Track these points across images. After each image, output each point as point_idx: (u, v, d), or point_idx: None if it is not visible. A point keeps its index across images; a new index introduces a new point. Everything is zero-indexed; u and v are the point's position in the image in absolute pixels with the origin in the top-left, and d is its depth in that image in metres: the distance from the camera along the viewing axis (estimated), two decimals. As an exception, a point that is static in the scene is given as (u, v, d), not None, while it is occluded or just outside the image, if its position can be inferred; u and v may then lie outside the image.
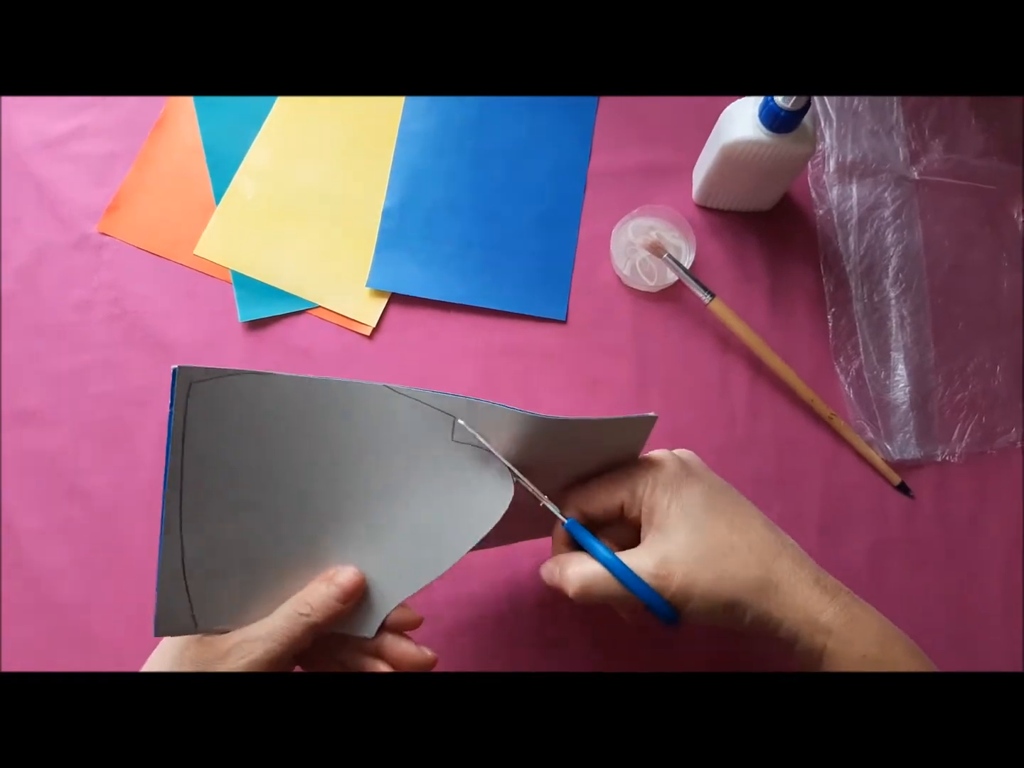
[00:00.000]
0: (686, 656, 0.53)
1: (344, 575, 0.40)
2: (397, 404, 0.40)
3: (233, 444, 0.39)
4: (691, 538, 0.39)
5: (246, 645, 0.39)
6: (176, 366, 0.37)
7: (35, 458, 0.57)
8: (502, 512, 0.39)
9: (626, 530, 0.42)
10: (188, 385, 0.37)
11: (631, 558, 0.39)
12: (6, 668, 0.54)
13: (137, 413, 0.58)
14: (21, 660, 0.54)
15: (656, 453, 0.43)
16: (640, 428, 0.42)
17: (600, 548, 0.39)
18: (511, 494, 0.39)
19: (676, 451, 0.44)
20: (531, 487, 0.40)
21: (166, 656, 0.40)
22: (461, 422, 0.39)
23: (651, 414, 0.41)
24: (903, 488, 0.55)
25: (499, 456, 0.39)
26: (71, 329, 0.60)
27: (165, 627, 0.39)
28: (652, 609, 0.38)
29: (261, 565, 0.41)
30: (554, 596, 0.42)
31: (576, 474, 0.43)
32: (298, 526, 0.41)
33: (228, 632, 0.40)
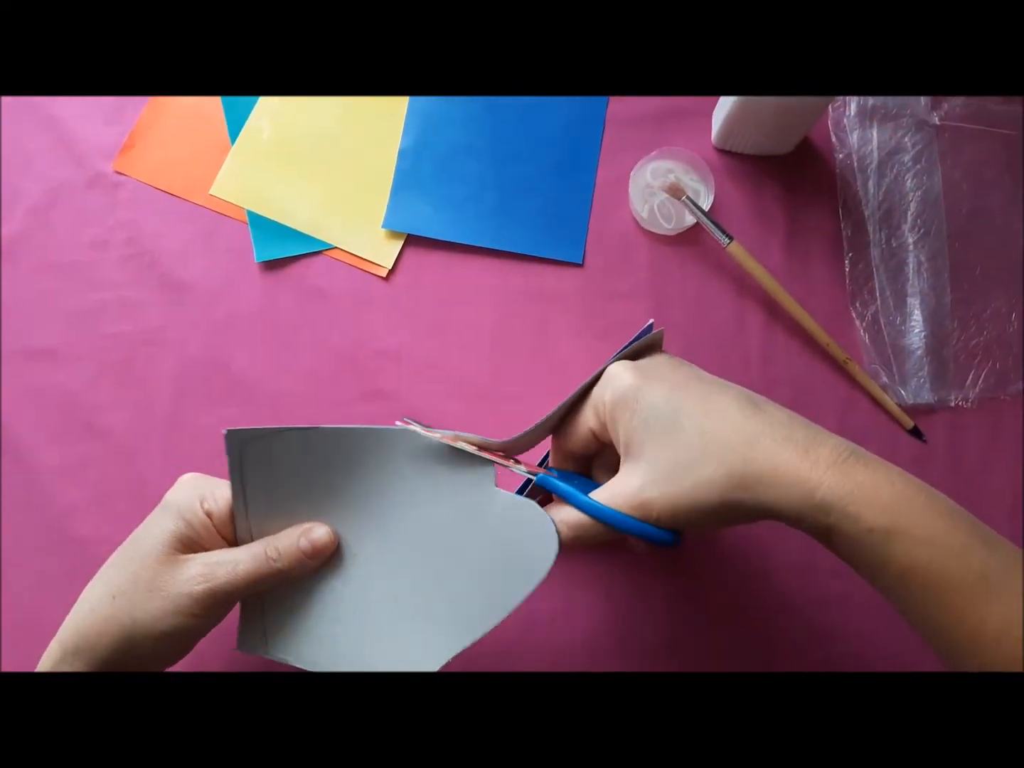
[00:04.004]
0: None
1: (317, 532, 0.41)
2: (439, 451, 0.41)
3: (289, 490, 0.42)
4: (660, 454, 0.36)
5: (208, 569, 0.40)
6: (225, 430, 0.40)
7: (52, 396, 0.58)
8: (549, 566, 0.38)
9: (615, 453, 0.40)
10: (240, 445, 0.41)
11: (606, 493, 0.38)
12: (28, 601, 0.55)
13: (154, 352, 0.58)
14: (42, 596, 0.55)
15: (611, 367, 0.40)
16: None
17: (575, 494, 0.38)
18: (556, 546, 0.38)
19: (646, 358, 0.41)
20: (496, 460, 0.40)
21: (127, 571, 0.42)
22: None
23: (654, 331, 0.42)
24: (916, 432, 0.56)
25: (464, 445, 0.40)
26: (87, 268, 0.60)
27: (246, 645, 0.44)
28: (647, 539, 0.37)
29: (324, 609, 0.43)
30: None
31: None
32: (348, 572, 0.43)
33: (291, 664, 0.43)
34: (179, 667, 0.46)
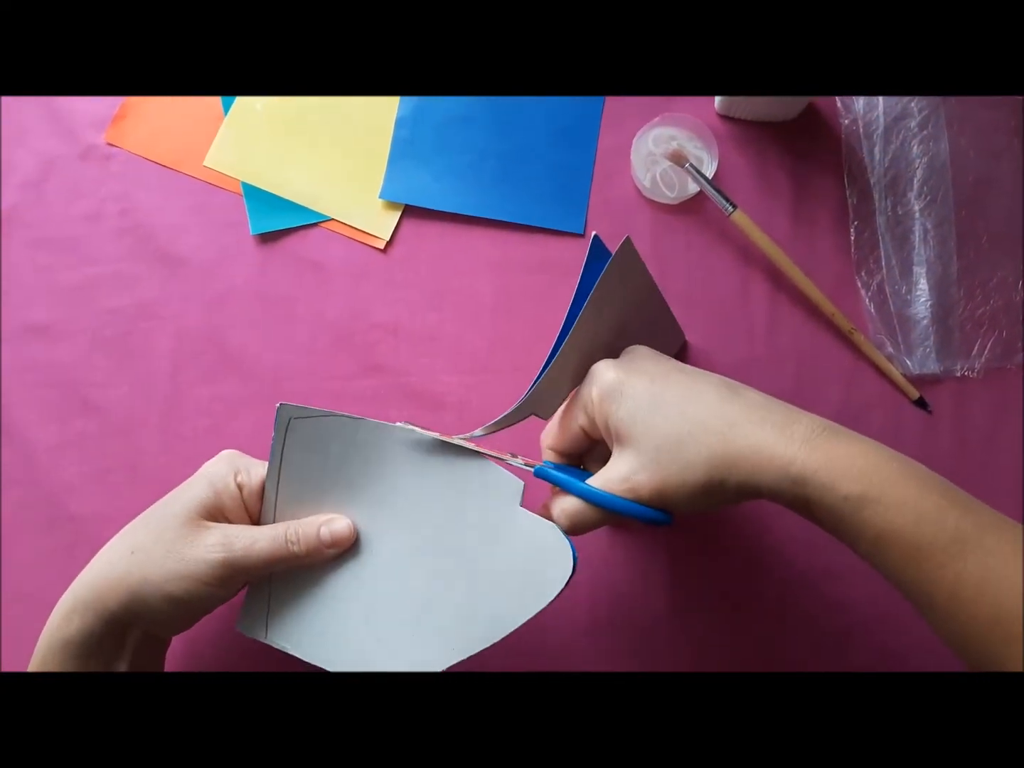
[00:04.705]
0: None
1: (338, 524, 0.43)
2: (471, 461, 0.41)
3: (321, 475, 0.43)
4: (646, 440, 0.38)
5: (227, 540, 0.41)
6: (278, 403, 0.42)
7: (47, 372, 0.57)
8: (559, 589, 0.39)
9: (606, 448, 0.42)
10: (287, 420, 0.42)
11: (600, 479, 0.39)
12: (26, 578, 0.55)
13: (149, 327, 0.57)
14: (39, 572, 0.55)
15: (595, 366, 0.42)
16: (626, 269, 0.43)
17: (571, 481, 0.40)
18: (571, 566, 0.40)
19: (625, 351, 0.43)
20: (492, 454, 0.41)
21: (150, 529, 0.43)
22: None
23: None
24: (921, 403, 0.55)
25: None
26: (80, 241, 0.59)
27: (245, 626, 0.44)
28: (640, 519, 0.39)
29: (330, 601, 0.43)
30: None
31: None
32: (360, 568, 0.43)
33: (288, 652, 0.43)
34: (175, 648, 0.47)
